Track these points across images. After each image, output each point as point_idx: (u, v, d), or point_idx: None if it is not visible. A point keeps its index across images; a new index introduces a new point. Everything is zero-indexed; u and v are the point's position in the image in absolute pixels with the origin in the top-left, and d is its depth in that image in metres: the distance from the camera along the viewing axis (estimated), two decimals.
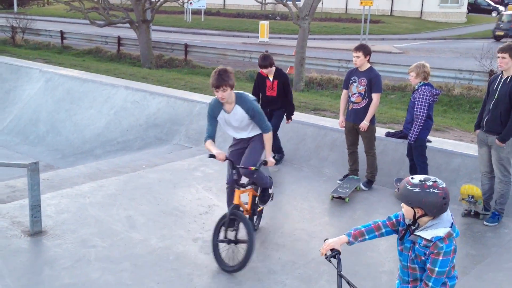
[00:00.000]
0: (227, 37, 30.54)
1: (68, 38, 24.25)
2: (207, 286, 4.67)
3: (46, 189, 6.67)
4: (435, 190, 2.92)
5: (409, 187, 2.97)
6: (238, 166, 5.22)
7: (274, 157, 7.38)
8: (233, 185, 5.31)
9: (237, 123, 5.24)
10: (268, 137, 5.31)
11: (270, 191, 5.70)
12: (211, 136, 5.23)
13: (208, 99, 10.73)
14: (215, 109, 5.19)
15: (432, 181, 2.96)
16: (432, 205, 2.92)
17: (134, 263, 5.03)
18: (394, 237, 3.38)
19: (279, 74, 7.76)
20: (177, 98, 10.72)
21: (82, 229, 5.70)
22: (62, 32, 24.17)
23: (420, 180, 2.97)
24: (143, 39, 19.17)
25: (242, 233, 5.01)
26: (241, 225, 5.01)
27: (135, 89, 11.59)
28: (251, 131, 5.39)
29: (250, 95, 5.31)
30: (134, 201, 6.52)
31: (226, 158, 5.12)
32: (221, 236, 4.99)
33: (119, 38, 22.11)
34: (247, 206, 5.37)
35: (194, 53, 20.72)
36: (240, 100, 5.14)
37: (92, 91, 12.18)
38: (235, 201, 5.12)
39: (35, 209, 5.54)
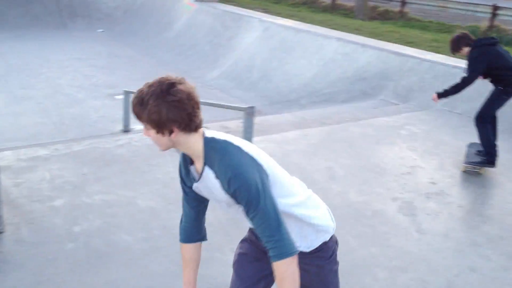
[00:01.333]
0: None
1: None
2: (403, 247, 4.54)
3: (255, 132, 7.11)
4: None
5: None
6: None
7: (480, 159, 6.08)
8: None
9: (216, 201, 2.33)
10: (282, 270, 2.19)
11: None
12: (188, 227, 2.47)
13: (423, 54, 10.18)
14: (183, 169, 2.35)
15: None
16: None
17: (333, 213, 5.11)
18: None
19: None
20: (389, 52, 10.35)
21: None
22: None
23: None
24: None
25: None
26: None
27: (347, 41, 11.51)
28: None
29: (242, 147, 2.17)
30: (335, 153, 6.58)
31: None
32: None
33: None
34: None
35: (412, 4, 19.61)
36: (211, 156, 2.15)
37: (304, 42, 12.46)
38: None
39: None
